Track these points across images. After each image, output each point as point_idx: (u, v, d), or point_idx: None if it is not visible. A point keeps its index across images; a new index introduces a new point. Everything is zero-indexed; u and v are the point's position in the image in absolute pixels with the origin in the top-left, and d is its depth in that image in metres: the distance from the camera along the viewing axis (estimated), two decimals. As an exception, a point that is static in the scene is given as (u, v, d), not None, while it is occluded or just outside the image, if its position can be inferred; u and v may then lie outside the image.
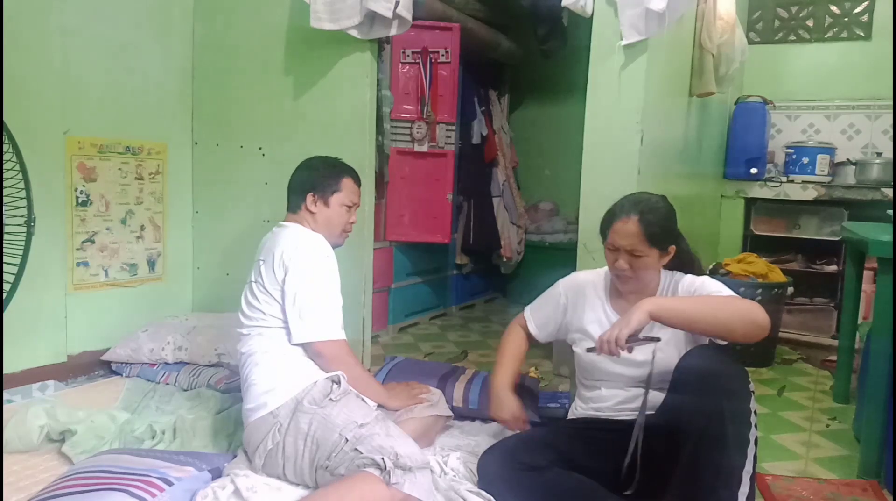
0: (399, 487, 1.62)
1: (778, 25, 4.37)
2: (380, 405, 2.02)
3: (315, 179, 2.10)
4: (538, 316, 2.10)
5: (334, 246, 2.12)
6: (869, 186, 3.78)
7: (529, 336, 2.13)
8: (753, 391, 1.60)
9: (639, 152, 2.56)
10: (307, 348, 1.90)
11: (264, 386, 1.87)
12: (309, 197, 2.07)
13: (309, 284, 1.91)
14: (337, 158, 2.21)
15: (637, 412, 1.77)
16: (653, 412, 1.73)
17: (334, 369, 1.90)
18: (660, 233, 1.81)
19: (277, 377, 1.88)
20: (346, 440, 1.72)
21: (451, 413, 2.28)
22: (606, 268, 2.04)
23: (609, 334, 1.62)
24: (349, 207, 2.10)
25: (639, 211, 1.80)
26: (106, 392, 2.69)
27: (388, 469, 1.62)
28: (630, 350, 1.65)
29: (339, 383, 1.88)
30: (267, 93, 3.09)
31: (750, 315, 1.64)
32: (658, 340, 1.64)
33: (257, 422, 1.85)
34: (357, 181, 2.15)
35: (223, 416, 2.30)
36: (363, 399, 1.92)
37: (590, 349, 1.69)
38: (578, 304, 2.00)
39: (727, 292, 1.79)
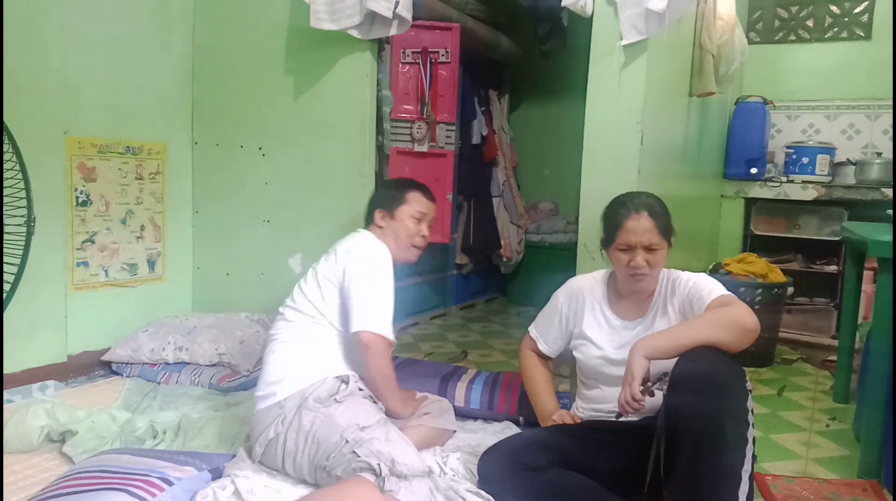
0: (394, 494, 1.60)
1: (778, 25, 4.37)
2: (388, 413, 2.00)
3: (383, 195, 2.19)
4: (547, 336, 2.10)
5: (405, 262, 2.17)
6: (869, 186, 3.78)
7: (543, 356, 2.14)
8: (751, 390, 1.60)
9: (639, 152, 2.56)
10: (356, 337, 1.90)
11: (275, 376, 1.90)
12: (377, 213, 2.15)
13: (371, 280, 1.95)
14: (412, 180, 2.29)
15: (640, 415, 1.77)
16: (652, 416, 1.72)
17: (372, 365, 1.90)
18: (668, 224, 1.87)
19: (289, 367, 1.90)
20: (347, 441, 1.72)
21: (455, 429, 2.27)
22: (603, 271, 2.05)
23: (623, 395, 1.64)
24: (418, 219, 2.14)
25: (646, 206, 1.85)
26: (106, 392, 2.69)
27: (383, 475, 1.61)
28: (652, 394, 1.66)
29: (346, 382, 1.88)
30: (267, 93, 3.09)
31: (739, 324, 1.66)
32: (667, 375, 1.65)
33: (264, 411, 1.87)
34: (427, 196, 2.20)
35: (224, 416, 2.30)
36: (369, 400, 1.91)
37: (618, 415, 1.70)
38: (578, 310, 2.01)
39: (719, 290, 1.81)
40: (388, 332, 1.94)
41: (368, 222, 2.18)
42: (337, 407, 1.80)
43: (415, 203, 2.15)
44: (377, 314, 1.92)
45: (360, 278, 1.95)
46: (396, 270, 2.09)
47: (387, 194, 2.19)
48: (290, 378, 1.88)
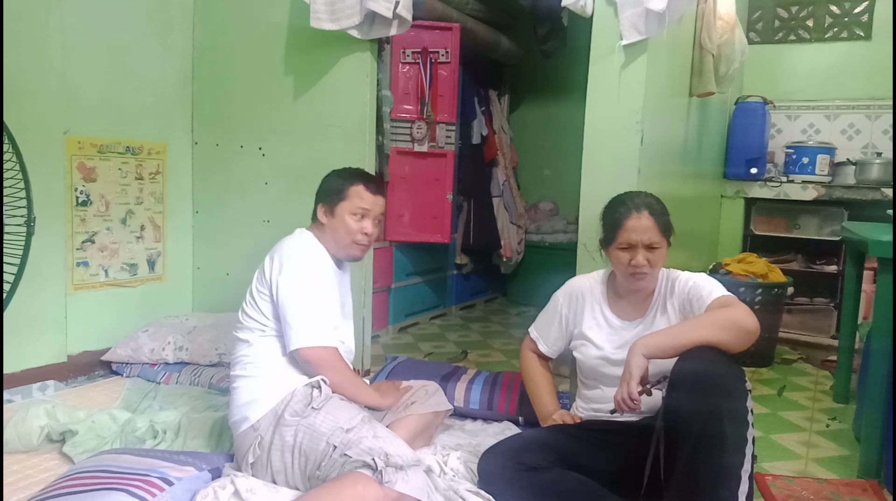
0: (392, 485, 1.61)
1: (778, 25, 4.37)
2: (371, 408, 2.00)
3: (325, 189, 2.05)
4: (547, 337, 2.10)
5: (349, 259, 2.08)
6: (869, 187, 3.78)
7: (543, 356, 2.14)
8: (750, 390, 1.60)
9: (639, 152, 2.56)
10: (296, 354, 1.88)
11: (244, 398, 1.86)
12: (319, 209, 2.04)
13: (296, 292, 1.89)
14: (357, 167, 2.15)
15: (639, 415, 1.77)
16: (652, 415, 1.72)
17: (323, 375, 1.87)
18: (668, 223, 1.87)
19: (257, 388, 1.86)
20: (335, 447, 1.70)
21: (450, 407, 2.25)
22: (602, 271, 2.05)
23: (620, 393, 1.64)
24: (360, 216, 2.00)
25: (647, 205, 1.86)
26: (106, 392, 2.69)
27: (379, 468, 1.61)
28: (650, 394, 1.66)
29: (319, 388, 1.84)
30: (267, 93, 3.09)
31: (738, 325, 1.66)
32: (667, 378, 1.65)
33: (241, 436, 1.85)
34: (372, 189, 2.03)
35: (224, 416, 2.29)
36: (347, 401, 1.88)
37: (612, 412, 1.70)
38: (578, 310, 2.01)
39: (719, 290, 1.81)
40: (326, 340, 1.90)
41: (314, 215, 2.06)
42: (316, 415, 1.77)
43: (355, 199, 1.98)
44: (309, 326, 1.86)
45: (288, 292, 1.88)
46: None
47: (328, 188, 2.03)
48: (259, 399, 1.84)
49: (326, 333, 1.91)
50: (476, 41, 4.12)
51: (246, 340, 1.94)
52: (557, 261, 4.34)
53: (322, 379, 1.86)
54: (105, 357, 2.91)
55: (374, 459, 1.63)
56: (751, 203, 4.14)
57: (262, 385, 1.86)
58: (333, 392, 1.88)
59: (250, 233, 3.18)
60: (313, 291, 1.92)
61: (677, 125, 3.19)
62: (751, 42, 4.08)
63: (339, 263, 2.07)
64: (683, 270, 1.96)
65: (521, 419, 2.40)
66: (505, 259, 4.65)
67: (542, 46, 3.97)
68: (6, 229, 2.20)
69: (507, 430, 2.32)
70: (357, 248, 2.03)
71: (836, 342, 3.15)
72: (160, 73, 3.15)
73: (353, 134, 2.92)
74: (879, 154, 4.00)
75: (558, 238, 4.78)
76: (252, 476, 1.82)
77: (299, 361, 1.89)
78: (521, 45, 4.61)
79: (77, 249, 2.86)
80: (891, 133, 4.06)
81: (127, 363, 2.88)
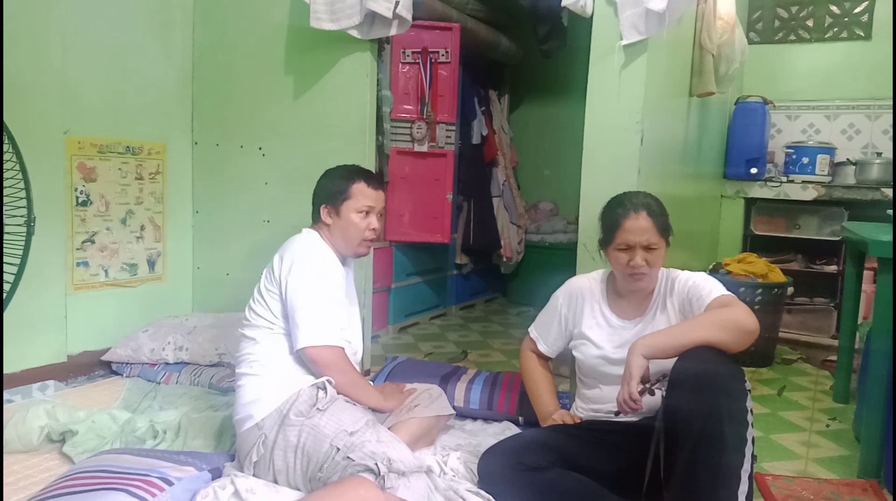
0: (394, 491, 1.61)
1: (778, 25, 4.37)
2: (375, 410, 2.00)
3: (327, 188, 2.05)
4: (547, 337, 2.10)
5: (356, 256, 2.10)
6: (869, 187, 3.78)
7: (543, 356, 2.13)
8: (750, 390, 1.60)
9: (639, 152, 2.56)
10: (302, 354, 1.88)
11: (249, 397, 1.86)
12: (322, 209, 2.04)
13: (304, 291, 1.89)
14: (355, 165, 2.16)
15: (639, 415, 1.77)
16: (652, 415, 1.72)
17: (328, 375, 1.88)
18: (666, 224, 1.87)
19: (262, 386, 1.86)
20: (338, 449, 1.70)
21: (452, 411, 2.26)
22: (602, 271, 2.06)
23: (621, 394, 1.64)
24: (366, 213, 2.02)
25: (645, 205, 1.85)
26: (106, 392, 2.69)
27: (382, 473, 1.61)
28: (652, 393, 1.66)
29: (325, 389, 1.84)
30: (267, 93, 3.09)
31: (738, 325, 1.66)
32: (666, 376, 1.65)
33: (244, 434, 1.85)
34: (374, 184, 2.06)
35: (224, 416, 2.29)
36: (352, 403, 1.89)
37: (616, 414, 1.70)
38: (577, 310, 2.02)
39: (719, 290, 1.81)
40: (332, 340, 1.90)
41: (315, 218, 2.06)
42: (321, 417, 1.77)
43: (360, 197, 2.01)
44: (316, 326, 1.87)
45: (296, 291, 1.89)
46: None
47: (330, 188, 2.04)
48: (264, 398, 1.84)
49: (333, 333, 1.92)
50: (476, 41, 4.12)
51: (252, 337, 1.95)
52: (557, 261, 4.34)
53: (328, 380, 1.87)
54: (105, 357, 2.91)
55: (376, 464, 1.63)
56: (751, 203, 4.14)
57: (268, 384, 1.86)
58: (341, 392, 1.88)
59: (250, 233, 3.18)
60: (322, 291, 1.93)
61: (677, 125, 3.20)
62: (751, 42, 4.08)
63: (343, 261, 2.08)
64: (683, 270, 1.96)
65: (521, 419, 2.40)
66: (505, 259, 4.65)
67: (542, 46, 3.97)
68: (6, 229, 2.20)
69: (507, 430, 2.32)
70: (365, 245, 2.06)
71: (836, 342, 3.15)
72: (160, 73, 3.15)
73: (353, 134, 2.92)
74: (879, 154, 4.00)
75: (558, 238, 4.78)
76: (253, 474, 1.82)
77: (305, 360, 1.89)
78: (521, 45, 4.61)
79: (77, 249, 2.86)
80: (891, 133, 4.06)
81: (127, 363, 2.88)
